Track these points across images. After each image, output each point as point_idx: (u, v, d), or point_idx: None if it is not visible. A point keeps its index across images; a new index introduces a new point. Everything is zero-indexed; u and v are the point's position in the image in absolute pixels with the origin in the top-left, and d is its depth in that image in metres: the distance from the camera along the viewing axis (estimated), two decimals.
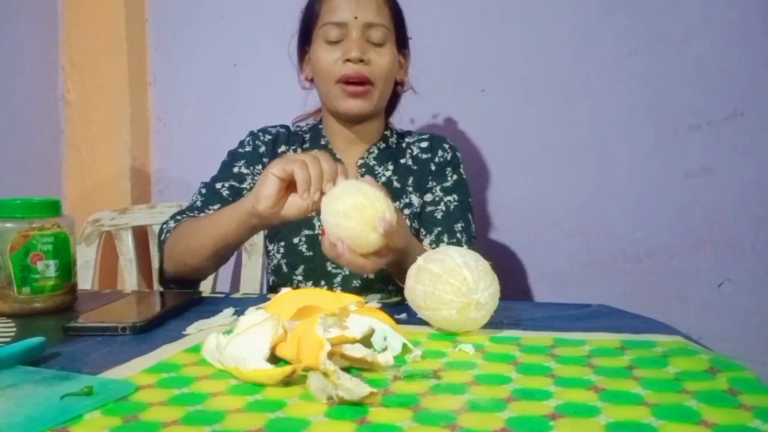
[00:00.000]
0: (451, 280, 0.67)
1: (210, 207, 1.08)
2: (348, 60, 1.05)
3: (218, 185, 1.11)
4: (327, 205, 0.76)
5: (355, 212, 0.73)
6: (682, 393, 0.52)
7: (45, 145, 1.63)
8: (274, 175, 0.81)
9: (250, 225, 0.89)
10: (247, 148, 1.16)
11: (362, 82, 1.07)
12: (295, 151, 1.16)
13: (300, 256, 1.12)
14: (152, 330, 0.73)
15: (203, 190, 1.12)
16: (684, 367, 0.58)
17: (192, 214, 1.08)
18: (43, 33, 1.61)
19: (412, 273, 0.72)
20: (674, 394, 0.51)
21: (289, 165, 0.80)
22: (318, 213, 0.79)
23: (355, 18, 1.06)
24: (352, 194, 0.74)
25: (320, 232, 1.11)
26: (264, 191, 0.83)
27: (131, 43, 1.63)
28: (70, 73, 1.65)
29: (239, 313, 0.75)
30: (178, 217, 1.08)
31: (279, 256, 1.14)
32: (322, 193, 0.79)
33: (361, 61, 1.05)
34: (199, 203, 1.10)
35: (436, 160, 1.17)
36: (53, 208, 0.85)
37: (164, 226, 1.08)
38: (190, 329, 0.73)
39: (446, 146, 1.19)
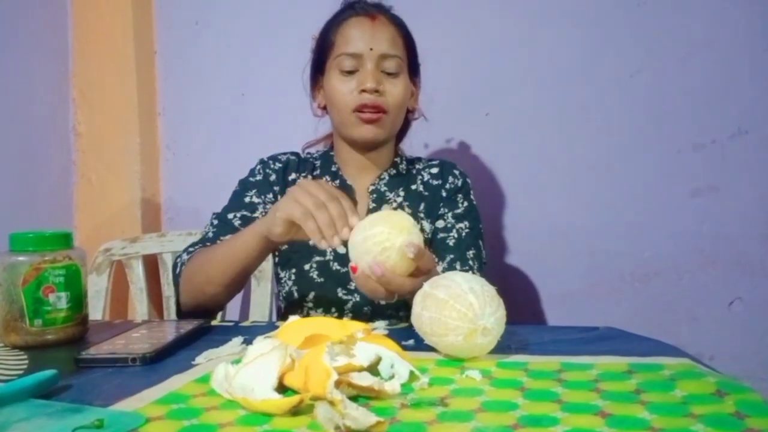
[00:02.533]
0: (457, 306, 0.67)
1: (222, 238, 1.08)
2: (363, 90, 1.07)
3: (230, 215, 1.12)
4: (354, 242, 0.80)
5: (381, 219, 0.79)
6: (688, 417, 0.51)
7: (56, 176, 1.65)
8: (282, 219, 0.86)
9: (265, 247, 0.94)
10: (258, 177, 1.17)
11: (377, 110, 1.08)
12: (305, 177, 1.18)
13: (311, 282, 1.13)
14: (162, 360, 0.74)
15: (215, 221, 1.13)
16: (691, 391, 0.57)
17: (205, 246, 1.08)
18: (54, 65, 1.64)
19: (418, 300, 0.73)
20: (681, 418, 0.51)
21: (297, 210, 0.83)
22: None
23: (371, 49, 1.08)
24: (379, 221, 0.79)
25: (331, 258, 1.12)
26: (275, 230, 0.88)
27: (140, 74, 1.67)
28: (80, 105, 1.68)
29: (248, 342, 0.76)
30: (191, 249, 1.09)
31: (290, 283, 1.15)
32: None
33: (376, 91, 1.07)
34: (211, 234, 1.10)
35: (447, 186, 1.18)
36: (65, 240, 0.86)
37: (178, 259, 1.10)
38: (199, 359, 0.73)
39: (456, 172, 1.20)
